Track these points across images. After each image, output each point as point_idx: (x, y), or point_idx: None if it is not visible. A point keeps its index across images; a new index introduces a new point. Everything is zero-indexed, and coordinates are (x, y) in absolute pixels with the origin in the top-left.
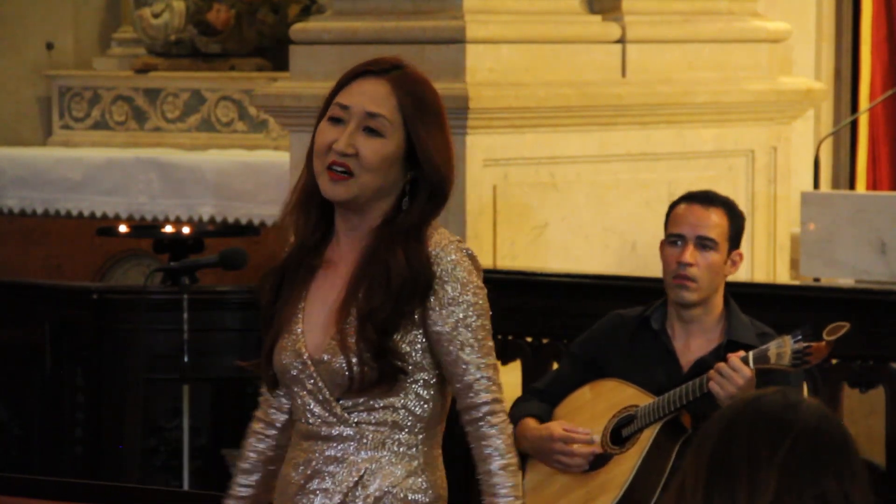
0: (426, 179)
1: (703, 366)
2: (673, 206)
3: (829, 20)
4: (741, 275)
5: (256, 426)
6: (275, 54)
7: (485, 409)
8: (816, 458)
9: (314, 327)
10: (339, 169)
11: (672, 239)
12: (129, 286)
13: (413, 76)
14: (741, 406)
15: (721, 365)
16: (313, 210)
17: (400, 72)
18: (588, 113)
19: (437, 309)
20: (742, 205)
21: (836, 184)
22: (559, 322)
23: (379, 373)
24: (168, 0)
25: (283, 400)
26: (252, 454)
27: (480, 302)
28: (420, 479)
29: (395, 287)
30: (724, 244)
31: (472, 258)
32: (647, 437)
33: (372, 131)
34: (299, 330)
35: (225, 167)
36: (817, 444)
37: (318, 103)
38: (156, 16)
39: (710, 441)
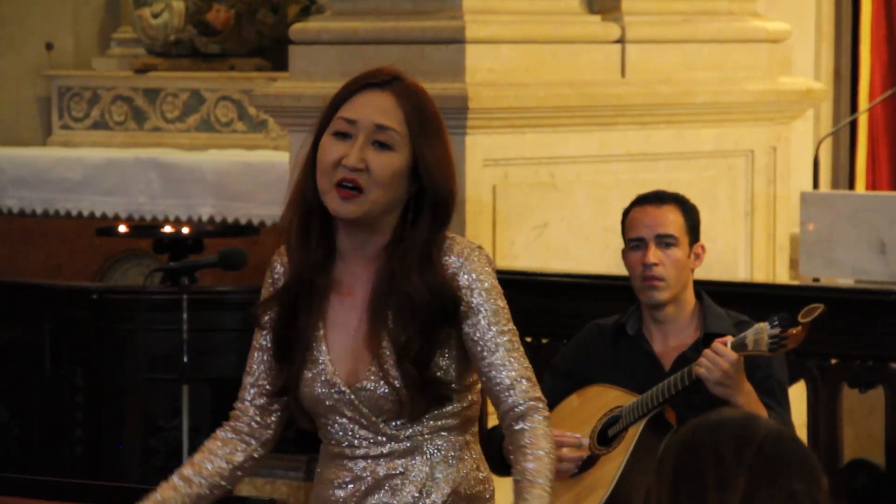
0: (430, 193)
1: (684, 362)
2: (626, 212)
3: (828, 20)
4: (741, 274)
5: (227, 434)
6: (274, 54)
7: (527, 405)
8: (782, 460)
9: (343, 355)
10: (349, 185)
11: (633, 244)
12: (129, 286)
13: (414, 87)
14: (702, 421)
15: (706, 351)
16: (314, 227)
17: (402, 84)
18: (588, 113)
19: (470, 319)
20: (742, 205)
21: (835, 184)
22: (559, 322)
23: (426, 402)
24: (167, 0)
25: (273, 418)
26: (211, 462)
27: (505, 305)
28: (478, 472)
29: (422, 315)
30: (684, 238)
31: (490, 261)
32: (633, 434)
33: (382, 145)
34: (327, 359)
35: (224, 167)
36: (782, 448)
37: (318, 103)
38: (155, 16)
39: (673, 453)
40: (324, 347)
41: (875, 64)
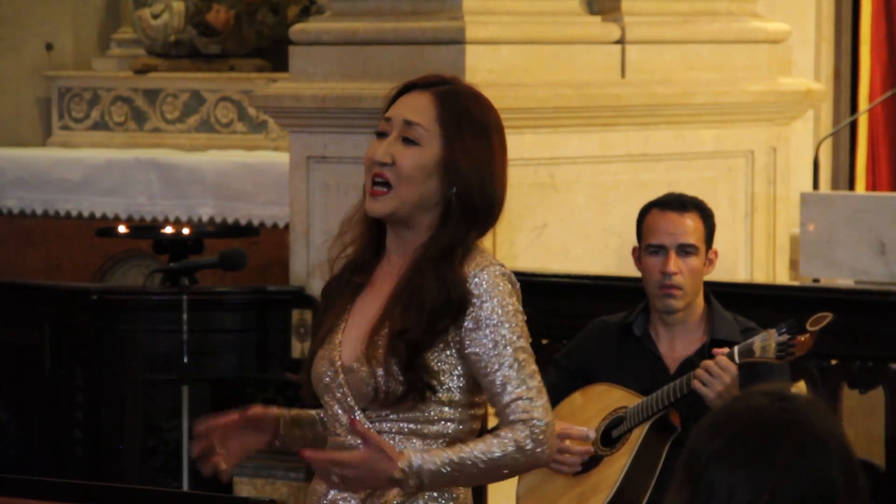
0: (460, 193)
1: (689, 366)
2: (644, 213)
3: (828, 20)
4: (741, 275)
5: None
6: (274, 55)
7: (518, 423)
8: (803, 450)
9: (350, 339)
10: (379, 180)
11: (652, 249)
12: (129, 287)
13: (460, 92)
14: (732, 405)
15: (708, 363)
16: (374, 226)
17: (447, 87)
18: (588, 114)
19: (475, 330)
20: (741, 205)
21: (835, 184)
22: (559, 322)
23: (406, 387)
24: (167, 1)
25: None
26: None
27: (520, 325)
28: (443, 491)
29: (428, 308)
30: (703, 247)
31: (511, 282)
32: (637, 436)
33: (408, 141)
34: (338, 340)
35: (224, 168)
36: (807, 436)
37: (318, 104)
38: (155, 16)
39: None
40: (341, 329)
41: (875, 64)
